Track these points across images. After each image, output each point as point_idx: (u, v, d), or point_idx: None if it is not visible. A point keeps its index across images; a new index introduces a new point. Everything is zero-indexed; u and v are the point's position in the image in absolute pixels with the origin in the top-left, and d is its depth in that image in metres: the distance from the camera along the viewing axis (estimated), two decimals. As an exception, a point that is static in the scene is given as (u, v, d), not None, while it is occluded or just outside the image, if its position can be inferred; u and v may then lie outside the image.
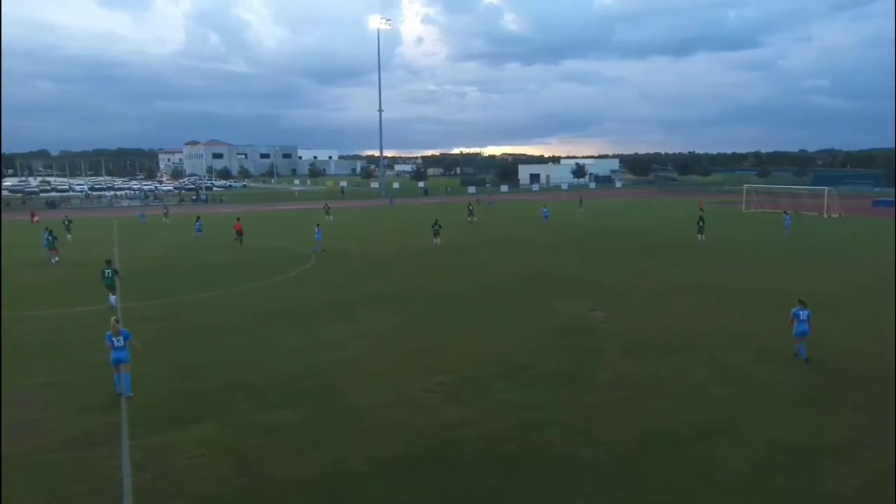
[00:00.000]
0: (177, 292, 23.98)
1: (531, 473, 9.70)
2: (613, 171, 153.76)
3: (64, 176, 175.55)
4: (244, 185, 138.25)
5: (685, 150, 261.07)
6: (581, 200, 67.05)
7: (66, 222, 44.13)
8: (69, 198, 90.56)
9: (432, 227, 37.36)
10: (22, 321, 19.67)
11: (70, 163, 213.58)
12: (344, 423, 11.73)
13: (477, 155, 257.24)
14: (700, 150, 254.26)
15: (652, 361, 14.95)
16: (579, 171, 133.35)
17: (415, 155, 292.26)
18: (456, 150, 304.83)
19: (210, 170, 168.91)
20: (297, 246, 36.91)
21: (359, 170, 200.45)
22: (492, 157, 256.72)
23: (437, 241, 36.58)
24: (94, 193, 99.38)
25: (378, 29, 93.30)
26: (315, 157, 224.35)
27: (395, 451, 10.50)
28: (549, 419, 11.76)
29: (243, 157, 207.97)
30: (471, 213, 52.97)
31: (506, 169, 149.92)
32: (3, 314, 19.99)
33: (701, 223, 38.01)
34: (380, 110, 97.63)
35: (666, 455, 10.24)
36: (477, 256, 32.98)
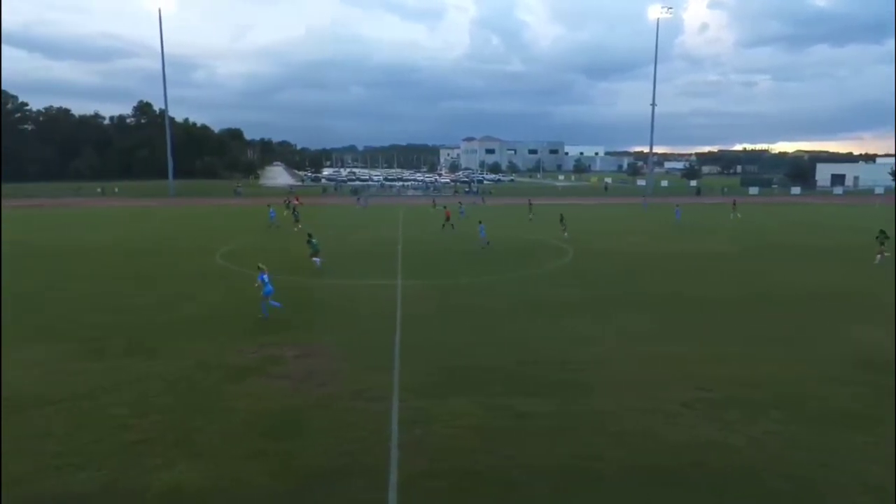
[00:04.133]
0: (448, 275, 26.31)
1: (804, 521, 8.38)
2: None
3: (366, 168, 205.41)
4: (511, 180, 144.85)
5: None
6: (734, 204, 56.09)
7: (293, 209, 47.46)
8: (368, 186, 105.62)
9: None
10: (324, 288, 23.69)
11: (371, 157, 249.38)
12: (591, 421, 11.60)
13: (763, 152, 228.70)
14: None
15: None
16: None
17: (688, 152, 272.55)
18: (738, 147, 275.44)
19: (482, 164, 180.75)
20: (555, 240, 37.46)
21: (625, 166, 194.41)
22: (782, 155, 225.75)
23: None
24: (388, 183, 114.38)
25: (658, 19, 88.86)
26: (581, 153, 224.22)
27: (643, 461, 10.04)
28: (830, 464, 9.99)
29: (513, 152, 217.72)
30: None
31: (800, 168, 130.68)
32: (310, 282, 24.40)
33: None
34: (653, 104, 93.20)
35: None
36: (747, 264, 29.48)
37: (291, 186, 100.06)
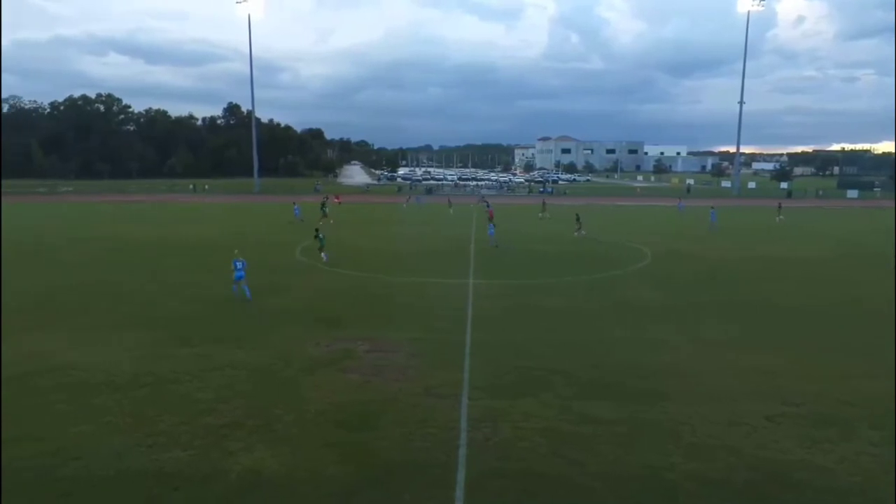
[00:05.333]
0: (520, 275, 26.15)
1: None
2: None
3: (441, 167, 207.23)
4: (587, 180, 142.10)
5: None
6: (780, 207, 52.74)
7: (322, 206, 48.60)
8: (442, 185, 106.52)
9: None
10: (397, 285, 24.12)
11: (445, 156, 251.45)
12: (665, 430, 11.22)
13: (866, 152, 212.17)
14: None
15: None
16: None
17: (778, 151, 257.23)
18: (835, 147, 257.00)
19: (557, 164, 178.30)
20: (632, 242, 36.41)
21: (709, 167, 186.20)
22: (885, 156, 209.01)
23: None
24: (461, 183, 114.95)
25: (748, 12, 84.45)
26: (661, 153, 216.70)
27: (719, 475, 9.61)
28: (937, 491, 9.18)
29: (589, 152, 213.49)
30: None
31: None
32: (381, 278, 24.87)
33: None
34: (741, 102, 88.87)
35: None
36: (840, 271, 27.51)
37: (368, 185, 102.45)
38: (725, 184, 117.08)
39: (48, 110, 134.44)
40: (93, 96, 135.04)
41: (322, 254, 28.44)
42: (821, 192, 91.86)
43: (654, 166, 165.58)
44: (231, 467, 9.68)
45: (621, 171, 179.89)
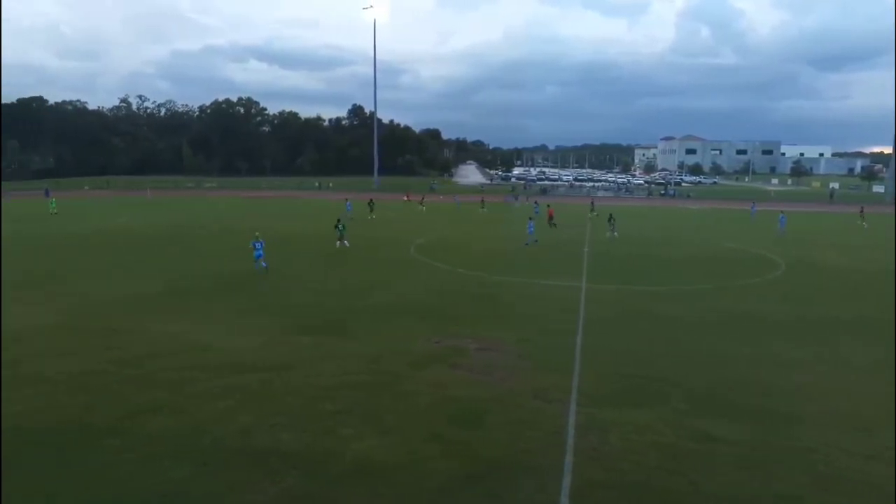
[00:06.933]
0: (637, 280, 25.14)
1: None
2: None
3: (556, 167, 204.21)
4: (714, 182, 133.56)
5: None
6: (862, 212, 48.02)
7: (370, 202, 52.22)
8: (557, 186, 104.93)
9: None
10: (508, 286, 24.08)
11: (561, 156, 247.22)
12: (792, 457, 10.30)
13: None
14: None
15: None
16: None
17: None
18: None
19: (681, 165, 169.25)
20: (763, 251, 33.76)
21: (857, 169, 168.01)
22: None
23: None
24: (577, 183, 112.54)
25: (912, -5, 75.10)
26: (801, 154, 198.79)
27: (857, 512, 8.68)
28: None
29: (717, 152, 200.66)
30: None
31: None
32: (491, 278, 24.90)
33: None
34: (899, 97, 79.12)
35: None
36: None
37: (482, 185, 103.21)
38: (878, 188, 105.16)
39: (197, 113, 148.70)
40: (234, 100, 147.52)
41: (342, 242, 32.06)
42: None
43: (792, 168, 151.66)
44: (344, 452, 10.18)
45: (754, 172, 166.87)
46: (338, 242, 32.15)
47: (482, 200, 60.23)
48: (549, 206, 48.05)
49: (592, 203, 57.62)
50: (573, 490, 9.11)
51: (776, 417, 11.86)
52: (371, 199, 53.61)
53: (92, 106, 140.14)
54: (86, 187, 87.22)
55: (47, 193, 67.88)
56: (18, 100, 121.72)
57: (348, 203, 50.96)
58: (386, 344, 16.12)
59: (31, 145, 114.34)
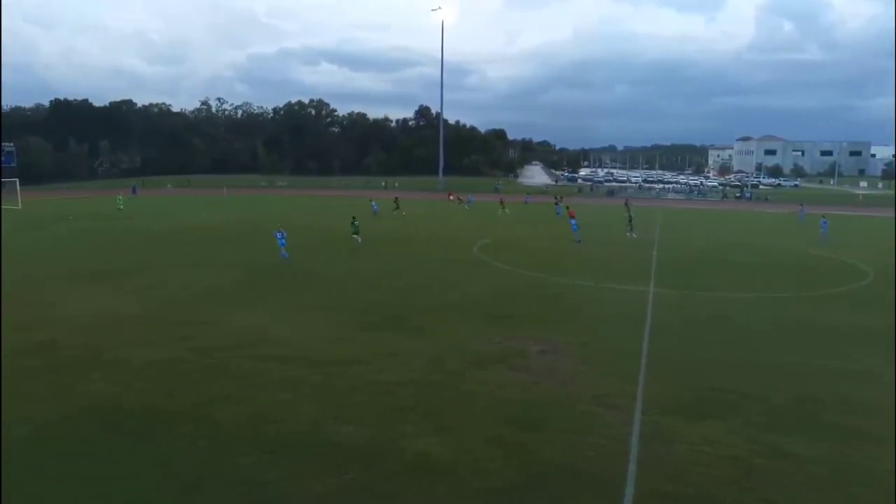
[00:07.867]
0: (711, 286, 24.18)
1: None
2: None
3: (625, 168, 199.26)
4: (795, 185, 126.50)
5: None
6: None
7: (395, 200, 53.97)
8: (625, 188, 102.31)
9: None
10: (572, 288, 23.70)
11: (630, 157, 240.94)
12: (875, 479, 9.60)
13: None
14: None
15: None
16: None
17: None
18: None
19: (759, 167, 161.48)
20: (850, 259, 31.71)
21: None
22: None
23: None
24: (646, 185, 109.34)
25: None
26: (893, 156, 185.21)
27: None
28: None
29: (799, 153, 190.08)
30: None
31: None
32: (556, 280, 24.52)
33: None
34: None
35: None
36: None
37: (548, 186, 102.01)
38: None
39: (271, 115, 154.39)
40: (306, 101, 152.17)
41: (357, 237, 33.24)
42: None
43: (884, 171, 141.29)
44: (404, 449, 10.30)
45: (839, 175, 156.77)
46: (358, 238, 33.24)
47: (501, 201, 57.58)
48: (567, 207, 48.26)
49: (626, 203, 57.16)
50: (636, 499, 8.85)
51: (857, 436, 11.11)
52: (396, 198, 55.91)
53: (175, 108, 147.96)
54: (168, 185, 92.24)
55: (134, 191, 72.33)
56: (110, 103, 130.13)
57: (374, 203, 52.10)
58: (448, 342, 16.20)
59: (121, 146, 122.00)
